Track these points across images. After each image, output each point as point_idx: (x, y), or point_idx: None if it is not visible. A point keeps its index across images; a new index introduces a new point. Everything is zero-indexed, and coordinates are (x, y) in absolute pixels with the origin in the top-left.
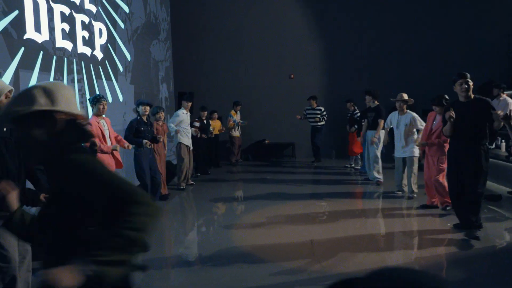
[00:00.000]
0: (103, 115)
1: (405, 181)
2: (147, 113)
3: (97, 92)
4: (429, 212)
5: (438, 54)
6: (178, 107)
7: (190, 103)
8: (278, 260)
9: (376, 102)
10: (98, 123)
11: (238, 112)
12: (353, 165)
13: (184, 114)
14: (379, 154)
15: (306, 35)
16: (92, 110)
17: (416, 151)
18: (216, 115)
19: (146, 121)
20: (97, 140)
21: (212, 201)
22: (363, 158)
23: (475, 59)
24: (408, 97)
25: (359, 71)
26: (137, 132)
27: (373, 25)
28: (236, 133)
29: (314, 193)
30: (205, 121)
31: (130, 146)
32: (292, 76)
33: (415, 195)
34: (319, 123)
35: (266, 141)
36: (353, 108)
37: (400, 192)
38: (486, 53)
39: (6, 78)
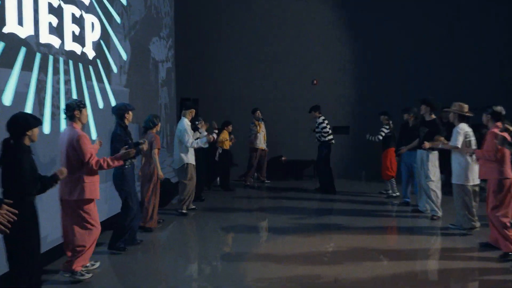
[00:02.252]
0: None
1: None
2: (130, 120)
3: (86, 96)
4: (492, 254)
5: (492, 59)
6: (180, 114)
7: (192, 111)
8: None
9: (433, 116)
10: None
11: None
12: (390, 192)
13: (189, 126)
14: (434, 179)
15: (332, 37)
16: (72, 118)
17: (471, 174)
18: (230, 127)
19: (126, 130)
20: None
21: (217, 231)
22: (403, 184)
23: None
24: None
25: (395, 78)
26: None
27: (412, 26)
28: (260, 144)
29: (340, 225)
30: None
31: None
32: (315, 82)
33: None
34: (321, 139)
35: (283, 158)
36: (387, 122)
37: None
38: None
39: None
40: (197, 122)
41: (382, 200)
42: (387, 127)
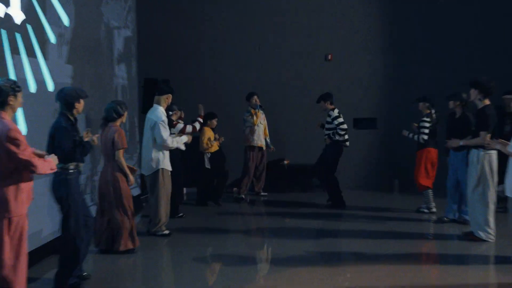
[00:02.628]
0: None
1: None
2: (80, 111)
3: (12, 74)
4: None
5: None
6: (143, 101)
7: (169, 96)
8: None
9: (486, 102)
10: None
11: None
12: (423, 208)
13: (166, 117)
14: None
15: (353, 2)
16: (1, 106)
17: None
18: (214, 121)
19: (74, 123)
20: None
21: (198, 262)
22: (449, 194)
23: None
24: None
25: (436, 55)
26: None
27: None
28: (259, 141)
29: (360, 254)
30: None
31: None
32: (330, 57)
33: None
34: (334, 138)
35: (285, 162)
36: (428, 112)
37: None
38: None
39: None
40: (170, 113)
41: (420, 218)
42: (428, 118)
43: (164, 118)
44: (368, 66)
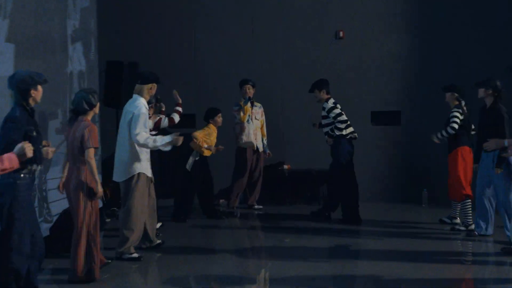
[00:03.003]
0: None
1: None
2: (38, 100)
3: None
4: None
5: None
6: (105, 90)
7: (154, 86)
8: None
9: None
10: None
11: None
12: (455, 224)
13: (147, 110)
14: None
15: None
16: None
17: None
18: (219, 119)
19: (32, 115)
20: None
21: None
22: (478, 206)
23: None
24: None
25: (472, 34)
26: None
27: None
28: (249, 141)
29: (380, 278)
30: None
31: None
32: (341, 33)
33: None
34: (334, 134)
35: (286, 167)
36: (457, 103)
37: None
38: None
39: None
40: (149, 105)
41: (450, 235)
42: (460, 110)
43: (145, 110)
44: (390, 45)
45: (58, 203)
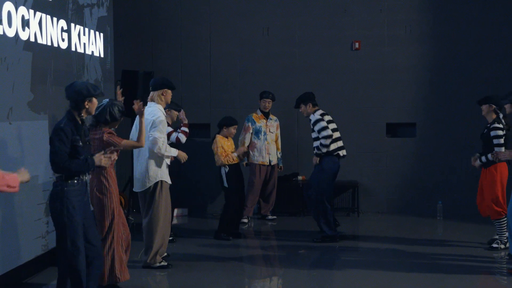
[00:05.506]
0: None
1: None
2: (92, 112)
3: None
4: None
5: None
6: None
7: (166, 92)
8: None
9: None
10: None
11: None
12: (499, 241)
13: (163, 116)
14: None
15: None
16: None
17: None
18: (232, 129)
19: (79, 126)
20: None
21: None
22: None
23: None
24: None
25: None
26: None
27: None
28: (261, 157)
29: None
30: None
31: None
32: (358, 45)
33: None
34: (320, 151)
35: (300, 178)
36: (495, 116)
37: None
38: None
39: None
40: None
41: (480, 255)
42: (500, 125)
43: (162, 116)
44: (406, 57)
45: None
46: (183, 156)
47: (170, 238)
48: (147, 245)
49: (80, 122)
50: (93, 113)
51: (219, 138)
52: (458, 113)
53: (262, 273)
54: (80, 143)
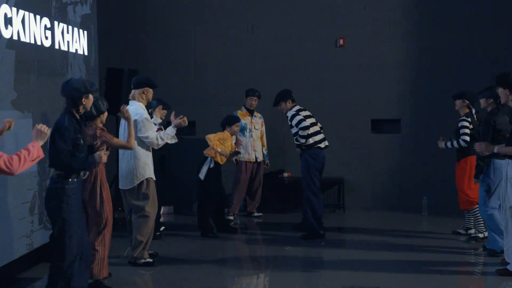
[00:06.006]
0: None
1: None
2: (88, 108)
3: None
4: None
5: None
6: (107, 95)
7: (147, 90)
8: None
9: None
10: None
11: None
12: (471, 232)
13: (147, 113)
14: None
15: None
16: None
17: None
18: (235, 127)
19: (80, 123)
20: None
21: None
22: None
23: None
24: None
25: (478, 39)
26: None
27: None
28: (247, 154)
29: None
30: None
31: None
32: (342, 41)
33: None
34: (301, 143)
35: (286, 175)
36: (467, 111)
37: None
38: None
39: None
40: (149, 110)
41: (457, 246)
42: (469, 119)
43: (144, 113)
44: (391, 54)
45: None
46: (183, 122)
47: (157, 233)
48: (136, 240)
49: (79, 119)
50: (88, 109)
51: (227, 134)
52: (442, 110)
53: (249, 270)
54: (81, 141)
